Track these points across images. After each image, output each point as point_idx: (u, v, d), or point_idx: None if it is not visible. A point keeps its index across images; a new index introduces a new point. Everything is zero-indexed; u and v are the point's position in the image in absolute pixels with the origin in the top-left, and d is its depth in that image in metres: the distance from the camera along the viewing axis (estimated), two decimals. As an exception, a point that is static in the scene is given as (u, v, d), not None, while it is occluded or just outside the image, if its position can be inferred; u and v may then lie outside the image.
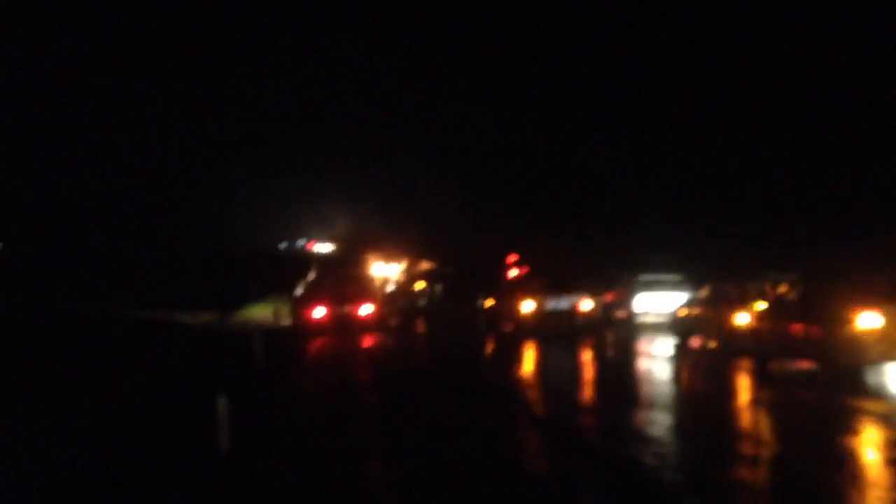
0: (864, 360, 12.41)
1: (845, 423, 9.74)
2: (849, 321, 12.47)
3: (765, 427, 9.86)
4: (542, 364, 17.71)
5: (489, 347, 21.79)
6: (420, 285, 41.33)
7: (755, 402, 11.67)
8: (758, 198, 34.20)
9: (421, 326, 28.93)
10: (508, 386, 13.50)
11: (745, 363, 14.90)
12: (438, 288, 38.10)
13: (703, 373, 15.32)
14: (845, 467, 7.54)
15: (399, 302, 37.61)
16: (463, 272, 35.57)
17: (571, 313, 23.95)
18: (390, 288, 42.28)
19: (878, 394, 11.78)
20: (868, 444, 8.81)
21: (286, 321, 25.33)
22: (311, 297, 24.52)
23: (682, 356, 17.41)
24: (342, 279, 25.52)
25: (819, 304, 13.33)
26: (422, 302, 37.90)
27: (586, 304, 24.42)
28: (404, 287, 43.89)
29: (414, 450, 8.18)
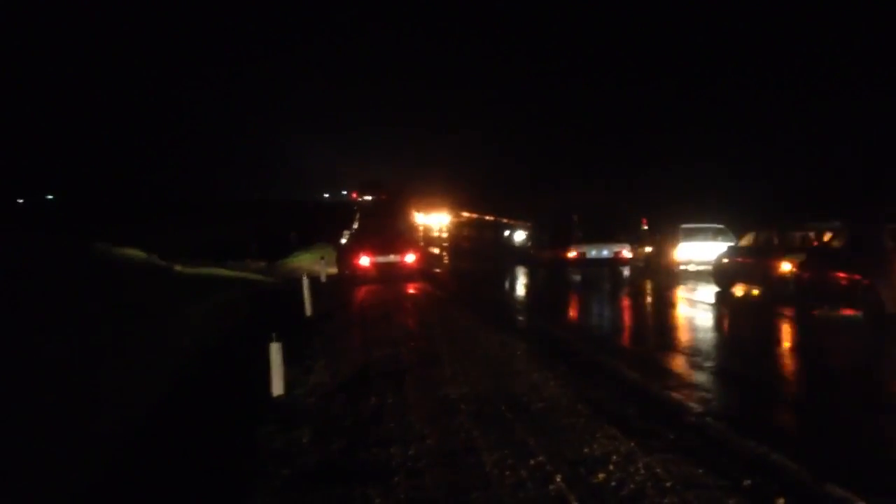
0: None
1: (891, 370, 9.79)
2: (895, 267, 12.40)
3: (808, 373, 9.93)
4: (585, 311, 17.85)
5: (535, 294, 21.98)
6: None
7: (798, 348, 11.72)
8: (800, 146, 33.73)
9: (466, 273, 29.10)
10: (554, 331, 13.66)
11: (788, 310, 14.92)
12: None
13: (746, 319, 15.36)
14: (891, 410, 7.64)
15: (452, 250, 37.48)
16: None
17: (613, 261, 24.09)
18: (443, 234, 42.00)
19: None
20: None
21: (332, 269, 25.70)
22: (357, 246, 24.81)
23: (725, 303, 17.43)
24: (386, 228, 25.74)
25: (864, 251, 13.26)
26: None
27: (628, 253, 24.55)
28: (458, 236, 43.93)
29: (460, 391, 8.40)
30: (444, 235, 46.90)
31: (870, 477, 5.59)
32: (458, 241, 44.76)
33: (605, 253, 24.12)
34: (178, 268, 21.54)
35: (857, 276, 13.12)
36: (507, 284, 25.33)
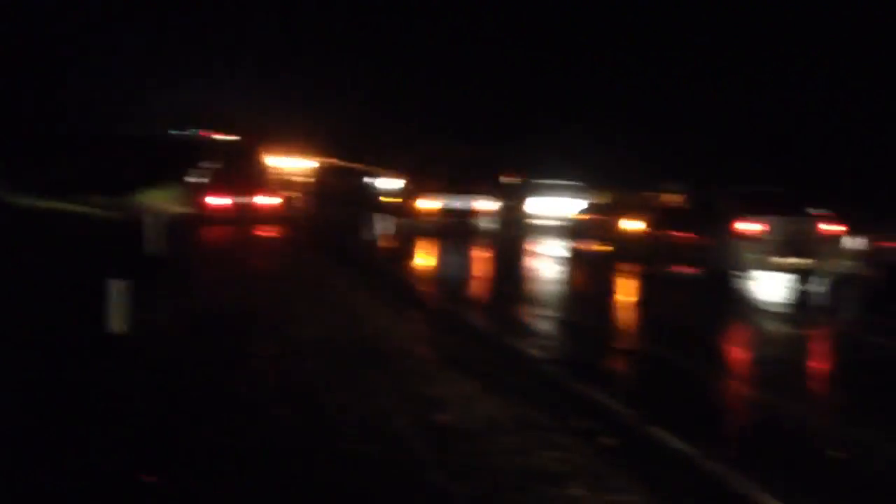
0: (743, 266, 13.14)
1: (721, 323, 10.39)
2: (731, 230, 13.14)
3: (646, 325, 10.41)
4: (439, 260, 18.05)
5: (387, 242, 22.04)
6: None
7: (640, 303, 12.26)
8: (657, 111, 34.92)
9: (327, 220, 28.83)
10: (407, 279, 13.75)
11: (635, 267, 15.54)
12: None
13: (593, 274, 15.91)
14: (715, 360, 8.13)
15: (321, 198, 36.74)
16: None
17: (470, 213, 24.33)
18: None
19: (754, 298, 12.56)
20: (737, 342, 9.47)
21: (183, 209, 24.78)
22: (212, 186, 24.00)
23: (576, 259, 18.00)
24: (245, 169, 24.98)
25: (705, 213, 13.98)
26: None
27: (485, 205, 24.81)
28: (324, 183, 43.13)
29: (312, 333, 8.34)
30: (307, 181, 46.09)
31: (691, 421, 5.92)
32: (322, 187, 44.10)
33: (465, 205, 24.33)
34: (10, 200, 20.27)
35: (698, 237, 13.84)
36: (366, 232, 25.25)
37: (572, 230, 20.49)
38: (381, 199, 30.93)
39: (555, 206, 25.03)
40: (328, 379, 6.68)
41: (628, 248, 17.16)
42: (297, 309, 9.89)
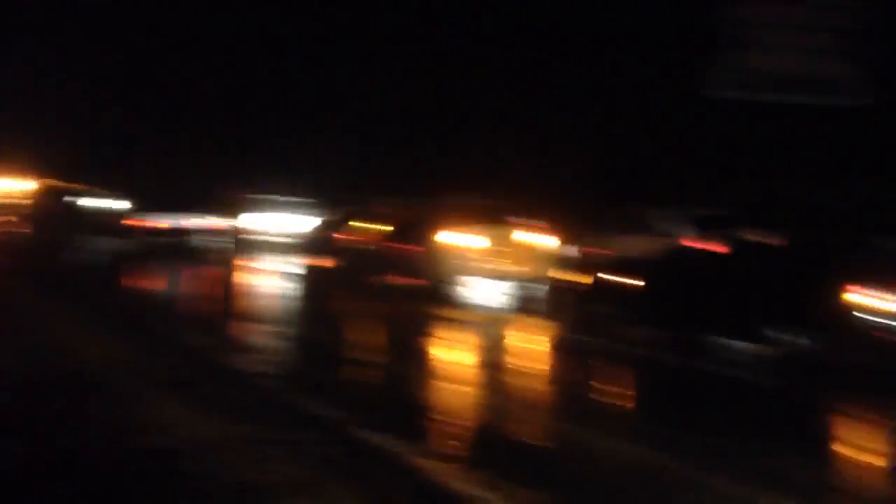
0: (456, 275, 13.95)
1: (438, 331, 10.97)
2: (443, 241, 13.97)
3: (362, 336, 10.75)
4: (155, 281, 17.50)
5: (102, 264, 20.99)
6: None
7: (366, 314, 12.60)
8: (390, 124, 35.54)
9: (39, 244, 26.85)
10: (122, 300, 13.21)
11: (361, 280, 15.91)
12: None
13: (318, 290, 16.13)
14: (428, 366, 8.61)
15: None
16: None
17: (194, 231, 23.64)
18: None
19: (466, 305, 13.35)
20: (446, 346, 10.07)
21: None
22: None
23: (304, 275, 18.10)
24: None
25: (428, 225, 14.71)
26: None
27: (210, 223, 24.21)
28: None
29: (9, 365, 7.79)
30: (22, 202, 42.54)
31: (406, 424, 6.23)
32: (38, 208, 40.92)
33: (189, 223, 23.61)
34: None
35: (415, 248, 14.58)
36: (81, 254, 23.80)
37: (301, 246, 20.56)
38: (100, 219, 29.29)
39: (283, 222, 24.87)
40: (33, 410, 6.29)
41: (355, 262, 17.53)
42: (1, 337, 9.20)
